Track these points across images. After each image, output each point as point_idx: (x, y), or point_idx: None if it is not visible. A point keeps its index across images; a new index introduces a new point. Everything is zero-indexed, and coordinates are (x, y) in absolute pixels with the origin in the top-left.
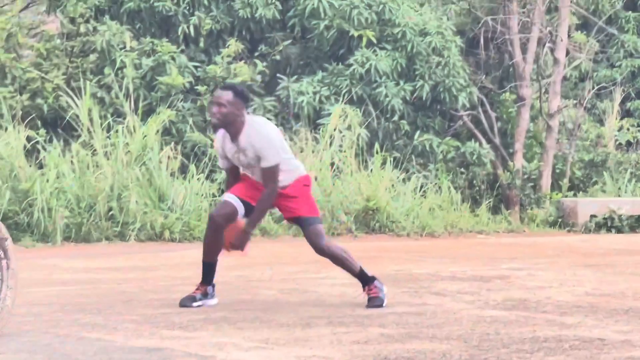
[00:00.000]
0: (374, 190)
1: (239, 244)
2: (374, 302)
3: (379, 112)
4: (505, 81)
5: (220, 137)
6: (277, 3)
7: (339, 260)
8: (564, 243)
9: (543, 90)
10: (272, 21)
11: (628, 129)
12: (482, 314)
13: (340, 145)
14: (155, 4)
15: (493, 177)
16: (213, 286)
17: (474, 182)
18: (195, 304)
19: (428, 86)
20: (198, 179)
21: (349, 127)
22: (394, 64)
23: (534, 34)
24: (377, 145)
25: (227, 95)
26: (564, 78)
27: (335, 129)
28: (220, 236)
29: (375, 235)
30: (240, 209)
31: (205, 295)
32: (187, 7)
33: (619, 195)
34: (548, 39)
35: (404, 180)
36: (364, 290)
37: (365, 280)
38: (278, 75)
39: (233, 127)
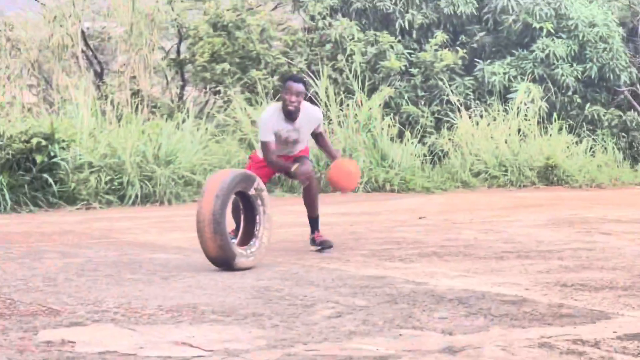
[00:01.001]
0: (552, 151)
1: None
2: (326, 244)
3: (556, 88)
4: None
5: (270, 117)
6: (474, 2)
7: (311, 194)
8: None
9: None
10: (470, 16)
11: None
12: None
13: (525, 115)
14: (378, 3)
15: None
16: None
17: (634, 144)
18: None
19: (596, 67)
20: (412, 142)
21: (532, 101)
22: (568, 49)
23: None
24: (555, 115)
25: (302, 87)
26: None
27: (521, 102)
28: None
29: (553, 187)
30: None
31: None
32: (403, 6)
33: None
34: None
35: (576, 142)
36: (312, 234)
37: (316, 226)
38: (475, 59)
39: (298, 112)
